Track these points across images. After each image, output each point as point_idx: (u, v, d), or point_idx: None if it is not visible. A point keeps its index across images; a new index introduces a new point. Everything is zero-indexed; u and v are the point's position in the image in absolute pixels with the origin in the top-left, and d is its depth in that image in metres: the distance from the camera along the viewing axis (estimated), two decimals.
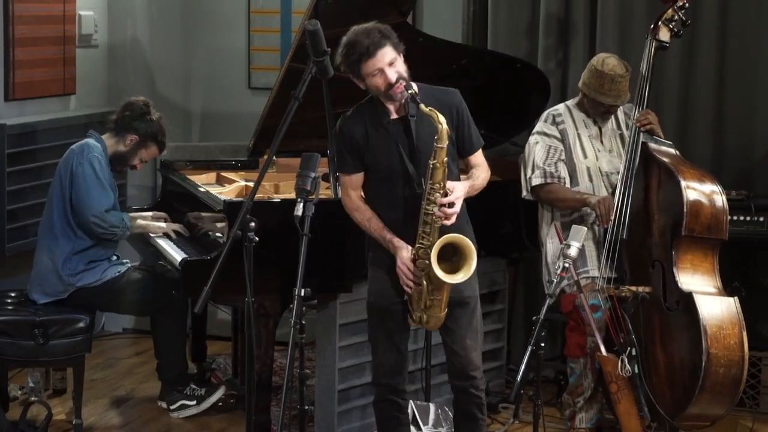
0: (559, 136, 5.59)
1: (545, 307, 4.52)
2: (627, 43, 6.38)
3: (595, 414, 5.53)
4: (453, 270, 4.49)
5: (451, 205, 4.49)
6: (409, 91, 4.47)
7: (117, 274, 5.76)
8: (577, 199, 5.48)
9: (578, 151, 5.57)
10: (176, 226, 5.97)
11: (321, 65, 4.45)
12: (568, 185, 5.55)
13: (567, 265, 4.59)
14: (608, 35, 6.38)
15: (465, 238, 4.49)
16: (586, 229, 4.72)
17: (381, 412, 4.84)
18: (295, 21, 7.20)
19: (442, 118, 4.44)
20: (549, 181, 5.54)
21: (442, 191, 4.49)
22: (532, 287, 6.65)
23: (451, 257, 4.51)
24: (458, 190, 4.53)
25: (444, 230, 4.52)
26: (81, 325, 5.58)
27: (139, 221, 5.95)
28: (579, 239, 4.62)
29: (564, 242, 4.66)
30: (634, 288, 5.25)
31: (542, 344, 4.46)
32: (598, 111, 5.57)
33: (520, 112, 6.52)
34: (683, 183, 5.21)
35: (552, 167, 5.54)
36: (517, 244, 6.10)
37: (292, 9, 7.27)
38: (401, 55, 4.57)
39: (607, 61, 5.49)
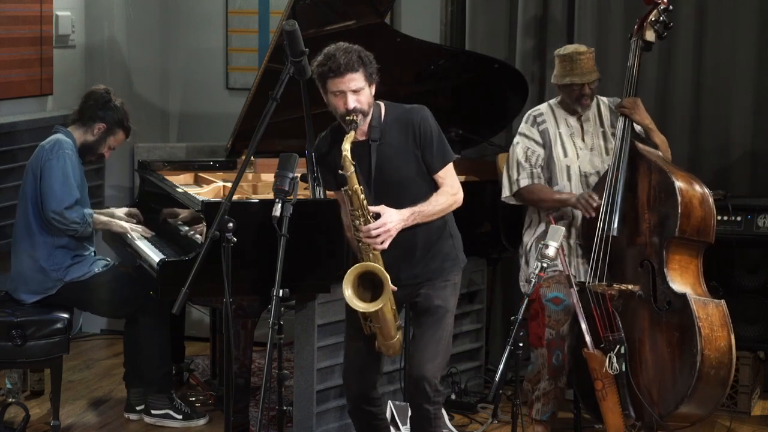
0: (539, 139, 5.57)
1: (523, 306, 4.52)
2: (605, 42, 6.39)
3: (551, 409, 5.53)
4: (376, 297, 4.47)
5: (376, 229, 4.44)
6: (351, 125, 4.43)
7: (105, 267, 5.77)
8: (558, 199, 5.47)
9: (558, 150, 5.54)
10: (139, 228, 5.95)
11: (299, 65, 4.44)
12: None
13: (545, 265, 4.59)
14: (586, 35, 6.39)
15: (375, 265, 4.44)
16: (563, 229, 4.71)
17: (357, 422, 4.84)
18: (273, 21, 7.20)
19: (346, 146, 4.38)
20: (536, 181, 5.53)
21: (363, 218, 4.46)
22: (510, 287, 6.65)
23: (375, 283, 4.48)
24: (387, 217, 4.48)
25: (397, 253, 4.51)
26: (59, 326, 5.56)
27: (102, 218, 5.92)
28: (557, 239, 4.62)
29: (542, 242, 4.66)
30: (625, 286, 5.24)
31: (520, 344, 4.46)
32: (573, 97, 5.54)
33: (498, 112, 6.52)
34: (677, 184, 5.18)
35: (537, 168, 5.52)
36: (495, 245, 6.11)
37: (269, 9, 7.27)
38: (372, 86, 4.52)
39: (567, 46, 5.62)
